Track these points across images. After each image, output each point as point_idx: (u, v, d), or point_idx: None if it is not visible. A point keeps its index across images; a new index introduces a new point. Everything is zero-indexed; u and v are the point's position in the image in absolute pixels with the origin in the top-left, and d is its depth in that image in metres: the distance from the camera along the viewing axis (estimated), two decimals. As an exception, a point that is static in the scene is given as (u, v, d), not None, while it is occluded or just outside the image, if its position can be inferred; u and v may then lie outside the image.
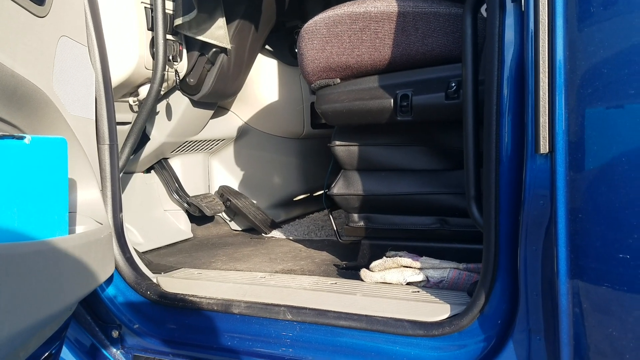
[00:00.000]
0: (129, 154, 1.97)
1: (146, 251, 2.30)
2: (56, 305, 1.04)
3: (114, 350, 1.78)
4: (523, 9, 1.09)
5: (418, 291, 1.51)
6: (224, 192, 2.66)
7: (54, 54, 1.32)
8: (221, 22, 2.10)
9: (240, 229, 2.81)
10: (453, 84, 1.47)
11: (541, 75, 1.01)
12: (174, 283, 1.74)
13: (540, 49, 1.01)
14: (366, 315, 1.40)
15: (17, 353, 0.99)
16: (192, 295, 1.65)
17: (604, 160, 0.95)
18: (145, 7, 1.95)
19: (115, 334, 1.76)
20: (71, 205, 1.44)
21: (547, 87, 1.01)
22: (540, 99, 1.02)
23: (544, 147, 1.02)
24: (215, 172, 2.82)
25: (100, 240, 1.31)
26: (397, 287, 1.56)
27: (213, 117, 2.58)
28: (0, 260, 0.81)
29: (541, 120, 1.02)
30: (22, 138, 0.95)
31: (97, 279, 1.30)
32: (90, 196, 1.50)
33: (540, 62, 1.01)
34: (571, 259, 1.01)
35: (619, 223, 0.93)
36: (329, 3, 2.75)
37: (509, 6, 1.15)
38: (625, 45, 0.90)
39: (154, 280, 1.75)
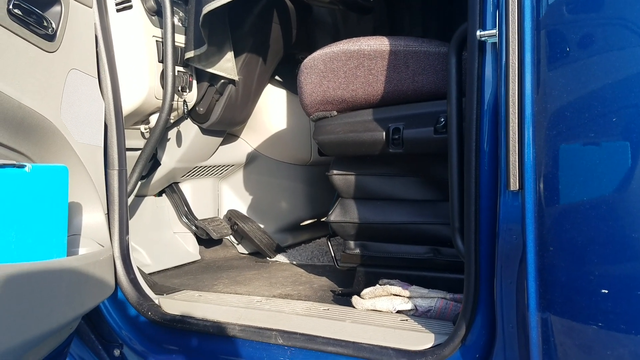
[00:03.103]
0: (137, 178, 2.06)
1: (153, 272, 2.36)
2: (50, 324, 1.11)
3: (116, 369, 1.84)
4: (498, 51, 1.14)
5: (406, 319, 1.54)
6: (232, 216, 2.74)
7: (62, 86, 1.42)
8: (229, 55, 2.20)
9: (246, 252, 2.87)
10: (442, 119, 1.52)
11: (511, 115, 1.06)
12: (174, 304, 1.80)
13: (510, 89, 1.06)
14: (353, 342, 1.44)
15: (11, 368, 1.06)
16: (190, 317, 1.71)
17: (569, 199, 0.99)
18: (156, 40, 2.06)
19: (117, 352, 1.82)
20: (75, 228, 1.52)
21: (516, 127, 1.06)
22: (510, 138, 1.06)
23: (514, 185, 1.06)
24: (224, 197, 2.90)
25: (99, 262, 1.38)
26: (386, 315, 1.59)
27: (223, 143, 2.67)
28: (-6, 280, 0.88)
29: (511, 158, 1.06)
30: (22, 166, 1.03)
31: (94, 298, 1.37)
32: (94, 219, 1.58)
33: (510, 102, 1.06)
34: (540, 292, 1.04)
35: (581, 258, 0.96)
36: (337, 36, 2.85)
37: (488, 47, 1.20)
38: (585, 90, 0.95)
39: (156, 302, 1.81)
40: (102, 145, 1.69)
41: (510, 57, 1.07)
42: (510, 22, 1.08)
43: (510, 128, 1.06)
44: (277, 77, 2.76)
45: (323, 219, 3.24)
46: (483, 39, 1.18)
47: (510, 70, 1.07)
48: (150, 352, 1.77)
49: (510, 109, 1.06)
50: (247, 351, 1.59)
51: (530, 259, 1.05)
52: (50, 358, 1.38)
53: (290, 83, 2.78)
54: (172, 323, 1.72)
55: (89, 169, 1.55)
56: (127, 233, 1.82)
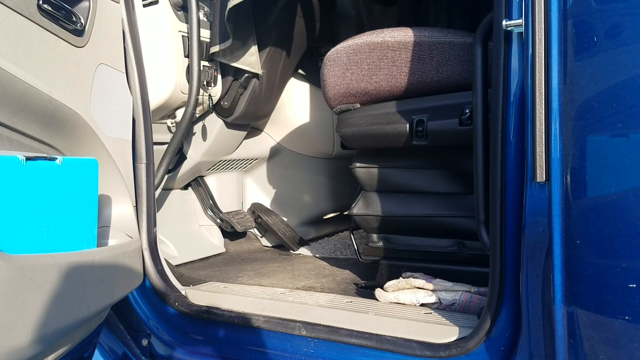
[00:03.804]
0: (164, 172, 2.10)
1: (180, 264, 2.41)
2: (81, 313, 1.14)
3: (143, 358, 1.88)
4: (524, 41, 1.13)
5: (430, 313, 1.54)
6: (256, 209, 2.76)
7: (91, 80, 1.45)
8: (253, 49, 2.21)
9: (270, 245, 2.89)
10: (467, 111, 1.50)
11: (537, 106, 1.05)
12: (200, 296, 1.83)
13: (537, 80, 1.05)
14: (377, 334, 1.44)
15: (44, 354, 1.09)
16: (216, 308, 1.74)
17: (596, 191, 0.97)
18: (182, 36, 2.09)
19: (144, 342, 1.86)
20: (105, 220, 1.56)
21: (543, 117, 1.04)
22: (537, 129, 1.05)
23: (540, 176, 1.05)
24: (248, 190, 2.93)
25: (128, 253, 1.41)
26: (409, 308, 1.59)
27: (247, 137, 2.70)
28: (27, 269, 0.91)
29: (537, 150, 1.05)
30: (54, 159, 1.06)
31: (123, 288, 1.40)
32: (123, 212, 1.61)
33: (537, 93, 1.05)
34: (566, 285, 1.03)
35: (608, 251, 0.95)
36: (361, 28, 2.84)
37: (514, 37, 1.19)
38: (613, 80, 0.93)
39: (183, 293, 1.84)
40: (130, 139, 1.72)
41: (537, 47, 1.05)
42: (537, 11, 1.06)
43: (537, 119, 1.05)
44: (300, 71, 2.76)
45: (346, 212, 3.25)
46: (509, 28, 1.17)
47: (537, 60, 1.05)
48: (177, 342, 1.81)
49: (537, 100, 1.05)
50: (271, 342, 1.61)
51: (556, 251, 1.03)
52: (80, 347, 1.42)
53: (314, 76, 2.78)
54: (199, 314, 1.75)
55: (117, 162, 1.59)
56: (155, 225, 1.86)
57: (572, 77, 1.01)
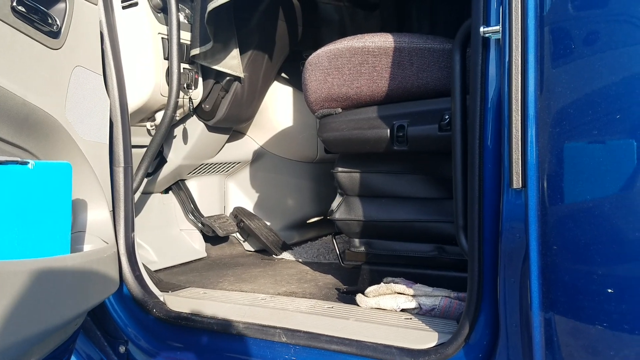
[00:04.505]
0: (143, 175, 2.07)
1: (159, 269, 2.37)
2: (54, 320, 1.11)
3: (121, 365, 1.85)
4: (502, 47, 1.13)
5: (410, 318, 1.53)
6: (238, 214, 2.74)
7: (67, 83, 1.42)
8: (235, 52, 2.20)
9: (252, 249, 2.87)
10: (446, 117, 1.51)
11: (514, 112, 1.05)
12: (179, 302, 1.81)
13: (513, 87, 1.05)
14: (357, 340, 1.43)
15: (15, 363, 1.06)
16: (195, 315, 1.71)
17: (572, 197, 0.98)
18: (162, 38, 2.06)
19: (122, 349, 1.83)
20: (80, 225, 1.53)
21: (519, 124, 1.05)
22: (513, 136, 1.05)
23: (516, 182, 1.05)
24: (231, 194, 2.91)
25: (103, 259, 1.39)
26: (390, 314, 1.58)
27: (230, 140, 2.68)
28: (-4, 276, 0.89)
29: (514, 156, 1.05)
30: (25, 163, 1.04)
31: (98, 295, 1.37)
32: (99, 216, 1.58)
33: (513, 99, 1.05)
34: (543, 291, 1.03)
35: (584, 258, 0.95)
36: (343, 33, 2.84)
37: (492, 44, 1.19)
38: (589, 88, 0.94)
39: (161, 299, 1.82)
40: (108, 143, 1.69)
41: (514, 54, 1.06)
42: (514, 18, 1.06)
43: (514, 125, 1.05)
44: (283, 75, 2.75)
45: (329, 217, 3.24)
46: (487, 35, 1.17)
47: (514, 67, 1.06)
48: (156, 349, 1.78)
49: (514, 106, 1.05)
50: (251, 349, 1.59)
51: (533, 257, 1.04)
52: (56, 354, 1.39)
53: (297, 80, 2.77)
54: (177, 320, 1.72)
55: (94, 166, 1.56)
56: (133, 230, 1.83)
57: (549, 84, 1.01)
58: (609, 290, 0.93)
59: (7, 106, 1.15)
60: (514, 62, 1.06)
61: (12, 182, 1.01)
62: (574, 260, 0.97)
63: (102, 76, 1.65)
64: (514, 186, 1.05)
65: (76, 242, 1.44)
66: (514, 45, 1.06)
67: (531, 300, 1.05)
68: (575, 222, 0.96)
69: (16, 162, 1.02)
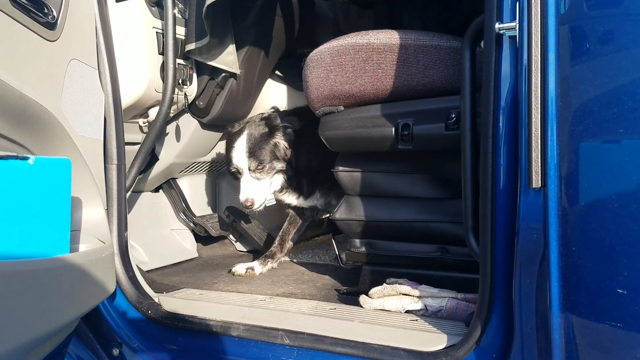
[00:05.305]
0: (136, 173, 2.01)
1: (151, 270, 2.32)
2: (54, 323, 1.06)
3: (114, 368, 1.79)
4: (518, 44, 1.11)
5: (416, 320, 1.51)
6: (231, 213, 2.69)
7: (63, 77, 1.37)
8: (231, 48, 2.15)
9: (245, 250, 2.82)
10: (453, 115, 1.48)
11: (533, 111, 1.03)
12: (175, 303, 1.76)
13: (533, 84, 1.03)
14: (363, 343, 1.40)
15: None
16: (192, 316, 1.67)
17: (595, 196, 0.96)
18: (156, 32, 2.01)
19: (116, 352, 1.78)
20: (75, 224, 1.47)
21: (539, 122, 1.03)
22: (533, 134, 1.03)
23: (536, 182, 1.03)
24: (223, 193, 2.85)
25: (101, 259, 1.33)
26: (395, 315, 1.56)
27: (223, 138, 2.62)
28: (-2, 278, 0.84)
29: (533, 155, 1.03)
30: (26, 158, 0.98)
31: (96, 297, 1.32)
32: (94, 215, 1.53)
33: (533, 97, 1.03)
34: (563, 293, 1.01)
35: (609, 259, 0.93)
36: (339, 31, 2.81)
37: (505, 41, 1.17)
38: (615, 84, 0.92)
39: (156, 300, 1.77)
40: (102, 139, 1.64)
41: (533, 51, 1.04)
42: (533, 14, 1.04)
43: (533, 124, 1.03)
44: (277, 72, 2.71)
45: (325, 216, 3.20)
46: (502, 31, 1.15)
47: (533, 64, 1.03)
48: (150, 351, 1.73)
49: (533, 104, 1.03)
50: (252, 351, 1.55)
51: (553, 258, 1.02)
52: (49, 358, 1.33)
53: (291, 78, 2.73)
54: (174, 322, 1.67)
55: (89, 162, 1.50)
56: (126, 229, 1.77)
57: (570, 82, 0.99)
58: (634, 293, 0.91)
59: (4, 99, 1.09)
60: (533, 60, 1.04)
61: (12, 178, 0.95)
62: (598, 261, 0.95)
63: (97, 70, 1.60)
64: (533, 185, 1.03)
65: (72, 242, 1.38)
66: (533, 42, 1.04)
67: (550, 302, 1.03)
68: (599, 222, 0.94)
69: (16, 157, 0.97)
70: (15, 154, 1.01)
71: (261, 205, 2.19)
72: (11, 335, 0.91)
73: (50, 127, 1.30)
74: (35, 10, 1.24)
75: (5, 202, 0.95)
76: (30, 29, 1.21)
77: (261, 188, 2.18)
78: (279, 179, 2.23)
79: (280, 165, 2.18)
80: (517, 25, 1.11)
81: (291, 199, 2.35)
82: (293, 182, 2.26)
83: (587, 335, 0.99)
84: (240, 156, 2.16)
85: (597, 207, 0.96)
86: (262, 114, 2.33)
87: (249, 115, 2.54)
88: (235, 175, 2.23)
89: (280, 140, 2.17)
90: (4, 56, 1.10)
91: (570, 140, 0.99)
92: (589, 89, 0.96)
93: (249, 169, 2.15)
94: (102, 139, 1.64)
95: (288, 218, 2.49)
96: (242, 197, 2.16)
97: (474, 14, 1.42)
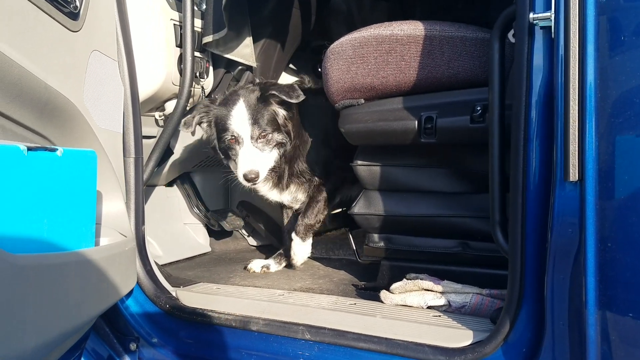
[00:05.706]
0: (154, 167, 2.00)
1: (165, 264, 2.31)
2: (81, 317, 1.05)
3: (131, 363, 1.78)
4: (553, 35, 1.08)
5: (439, 315, 1.49)
6: (244, 208, 2.67)
7: (85, 68, 1.35)
8: (248, 41, 2.14)
9: (257, 244, 2.81)
10: (478, 108, 1.46)
11: (571, 103, 1.00)
12: (192, 297, 1.75)
13: (571, 76, 1.01)
14: (386, 338, 1.38)
15: (40, 363, 1.00)
16: (211, 310, 1.65)
17: (635, 190, 0.94)
18: (174, 24, 1.99)
19: (133, 346, 1.76)
20: (97, 217, 1.46)
21: (577, 114, 1.00)
22: (570, 126, 1.01)
23: (573, 175, 1.01)
24: (236, 188, 2.83)
25: (124, 253, 1.32)
26: (417, 311, 1.54)
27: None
28: (29, 271, 0.82)
29: (571, 148, 1.00)
30: (55, 150, 0.97)
31: (119, 291, 1.31)
32: (115, 208, 1.52)
33: (571, 89, 1.01)
34: (600, 289, 0.99)
35: (650, 254, 0.91)
36: (352, 23, 2.78)
37: (537, 32, 1.15)
38: (659, 75, 0.90)
39: (173, 294, 1.76)
40: (122, 132, 1.62)
41: (571, 42, 1.01)
42: (571, 4, 1.02)
43: (571, 116, 1.01)
44: (291, 65, 2.69)
45: (336, 211, 3.18)
46: (536, 22, 1.12)
47: (571, 55, 1.01)
48: (168, 345, 1.72)
49: (571, 96, 1.01)
50: (271, 346, 1.53)
51: (589, 253, 0.99)
52: (69, 353, 1.32)
53: (305, 71, 2.71)
54: (192, 316, 1.66)
55: (109, 156, 1.49)
56: (143, 223, 1.76)
57: (610, 73, 0.97)
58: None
59: (29, 89, 1.08)
60: (571, 50, 1.01)
61: (42, 170, 0.94)
62: (637, 256, 0.93)
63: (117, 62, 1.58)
64: (570, 179, 1.01)
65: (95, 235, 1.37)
66: (571, 32, 1.01)
67: (586, 298, 1.01)
68: (638, 215, 0.92)
69: (45, 149, 0.95)
70: (43, 145, 0.99)
71: (263, 179, 1.96)
72: (41, 330, 0.90)
73: (73, 119, 1.29)
74: (59, 0, 1.22)
75: (34, 193, 0.93)
76: (54, 18, 1.20)
77: (263, 159, 1.95)
78: (274, 155, 2.00)
79: (280, 136, 1.96)
80: (553, 16, 1.09)
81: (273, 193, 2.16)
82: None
83: (623, 331, 0.97)
84: (241, 123, 1.90)
85: (637, 201, 0.94)
86: (251, 82, 2.09)
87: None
88: (230, 147, 1.95)
89: (278, 109, 1.95)
90: (30, 46, 1.09)
91: (609, 132, 0.97)
92: (630, 80, 0.94)
93: (251, 137, 1.90)
94: (122, 132, 1.62)
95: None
96: (245, 168, 1.87)
97: (486, 8, 1.40)
